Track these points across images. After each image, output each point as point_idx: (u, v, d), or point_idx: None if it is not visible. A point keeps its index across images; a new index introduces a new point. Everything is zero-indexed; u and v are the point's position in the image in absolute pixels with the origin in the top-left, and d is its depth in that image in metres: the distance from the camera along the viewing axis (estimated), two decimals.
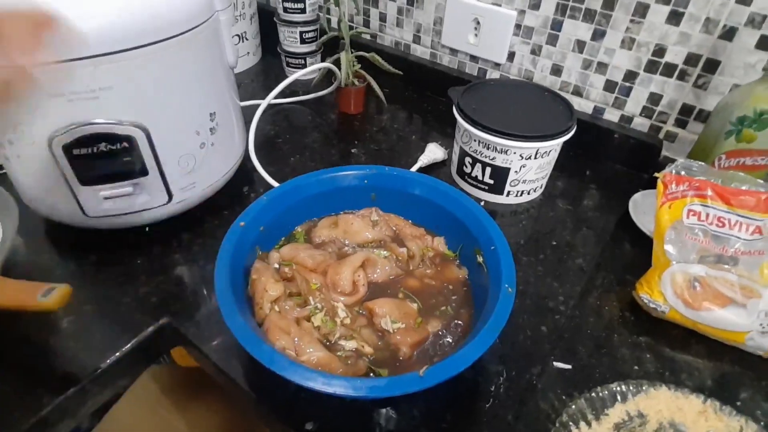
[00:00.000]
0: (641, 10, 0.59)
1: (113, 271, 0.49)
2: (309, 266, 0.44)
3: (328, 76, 0.78)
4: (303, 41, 0.81)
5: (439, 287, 0.45)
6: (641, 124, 0.66)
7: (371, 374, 0.39)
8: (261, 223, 0.46)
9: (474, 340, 0.35)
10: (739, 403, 0.41)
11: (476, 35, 0.73)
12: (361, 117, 0.77)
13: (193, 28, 0.44)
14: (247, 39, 0.84)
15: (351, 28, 0.70)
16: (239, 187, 0.60)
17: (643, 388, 0.41)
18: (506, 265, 0.41)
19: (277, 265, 0.45)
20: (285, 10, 0.78)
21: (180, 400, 0.66)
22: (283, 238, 0.49)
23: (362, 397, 0.33)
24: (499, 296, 0.38)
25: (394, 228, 0.50)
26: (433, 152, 0.65)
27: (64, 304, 0.37)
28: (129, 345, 0.43)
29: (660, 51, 0.60)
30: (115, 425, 0.60)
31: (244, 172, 0.60)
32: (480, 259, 0.45)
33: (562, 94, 0.63)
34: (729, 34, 0.55)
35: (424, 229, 0.51)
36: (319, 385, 0.33)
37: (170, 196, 0.49)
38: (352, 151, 0.69)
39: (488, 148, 0.55)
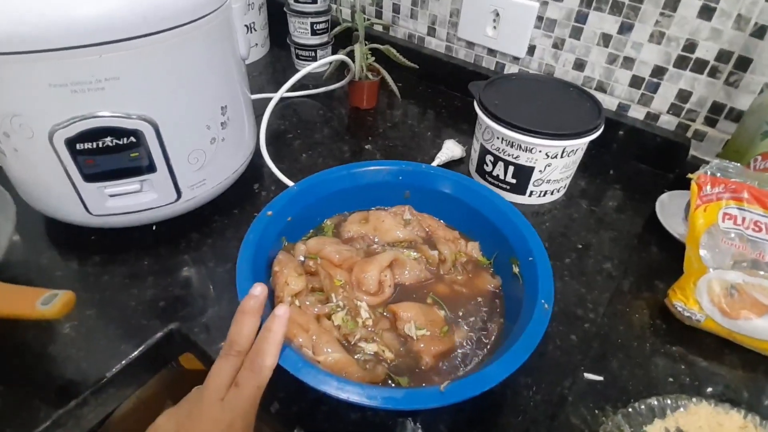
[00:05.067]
0: (672, 4, 0.56)
1: (118, 272, 0.47)
2: (334, 261, 0.42)
3: (338, 69, 0.75)
4: (314, 33, 0.78)
5: (470, 296, 0.43)
6: (668, 122, 0.63)
7: (390, 382, 0.36)
8: (289, 214, 0.44)
9: (502, 358, 0.33)
10: None
11: (495, 28, 0.70)
12: (373, 112, 0.74)
13: (204, 16, 0.41)
14: (255, 30, 0.81)
15: (364, 19, 0.67)
16: (249, 184, 0.57)
17: (682, 402, 0.38)
18: (544, 277, 0.39)
19: (302, 258, 0.43)
20: (296, 0, 0.75)
21: None
22: (311, 230, 0.47)
23: (376, 407, 0.31)
24: (534, 312, 0.36)
25: (427, 229, 0.48)
26: (451, 149, 0.62)
27: (67, 313, 0.34)
28: (136, 352, 0.40)
29: (690, 46, 0.57)
30: (118, 429, 0.58)
31: (253, 168, 0.57)
32: (516, 269, 0.42)
33: (587, 89, 0.60)
34: (760, 32, 0.53)
35: (458, 232, 0.48)
36: (332, 389, 0.31)
37: (179, 193, 0.46)
38: (366, 147, 0.66)
39: (512, 146, 0.53)
